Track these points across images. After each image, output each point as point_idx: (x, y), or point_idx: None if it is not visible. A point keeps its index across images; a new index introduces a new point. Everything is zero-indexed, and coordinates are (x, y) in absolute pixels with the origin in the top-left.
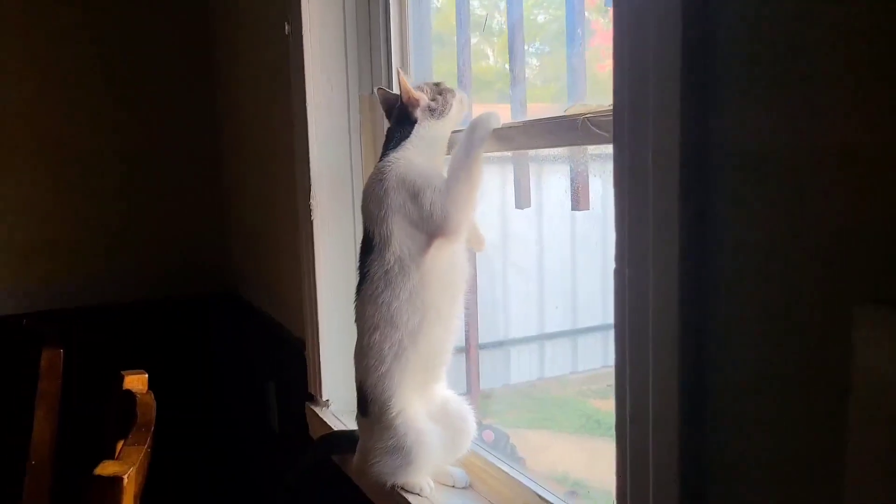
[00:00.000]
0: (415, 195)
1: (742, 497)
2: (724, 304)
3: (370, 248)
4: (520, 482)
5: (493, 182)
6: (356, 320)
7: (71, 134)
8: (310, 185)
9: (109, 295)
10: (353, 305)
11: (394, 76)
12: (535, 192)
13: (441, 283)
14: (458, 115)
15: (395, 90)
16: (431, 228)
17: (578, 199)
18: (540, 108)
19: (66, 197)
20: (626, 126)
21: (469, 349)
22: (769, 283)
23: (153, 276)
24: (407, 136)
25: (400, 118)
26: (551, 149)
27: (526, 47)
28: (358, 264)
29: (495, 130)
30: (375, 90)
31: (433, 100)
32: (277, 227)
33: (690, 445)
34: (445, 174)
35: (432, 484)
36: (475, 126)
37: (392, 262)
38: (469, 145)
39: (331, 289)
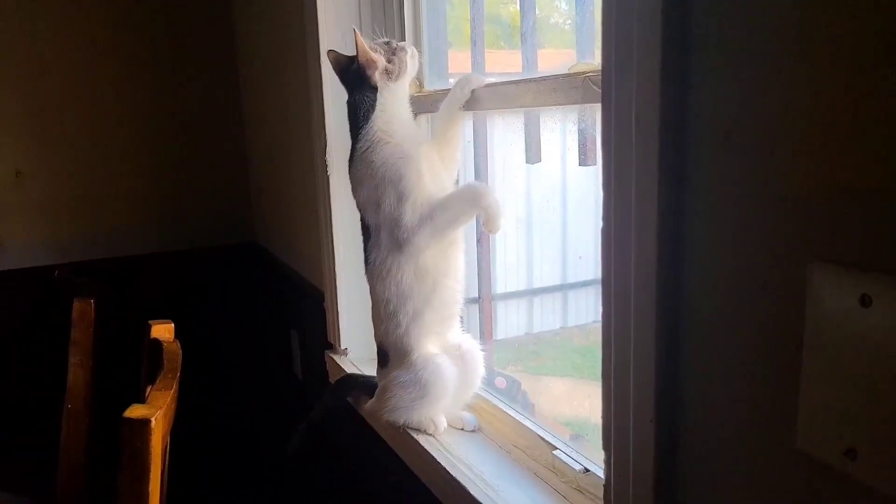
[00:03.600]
0: (400, 198)
1: (708, 436)
2: (697, 262)
3: (368, 234)
4: (525, 426)
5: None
6: (370, 291)
7: (102, 95)
8: (326, 141)
9: (137, 246)
10: (365, 276)
11: (354, 36)
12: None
13: (443, 250)
14: (412, 70)
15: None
16: (397, 236)
17: (586, 155)
18: (568, 55)
19: (96, 154)
20: (612, 91)
21: (483, 300)
22: (736, 243)
23: (179, 228)
24: (373, 108)
25: (358, 82)
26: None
27: None
28: (362, 244)
29: (499, 87)
30: (326, 52)
31: (389, 61)
32: (296, 181)
33: (665, 390)
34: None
35: (445, 423)
36: (475, 196)
37: (387, 253)
38: (462, 208)
39: (347, 243)
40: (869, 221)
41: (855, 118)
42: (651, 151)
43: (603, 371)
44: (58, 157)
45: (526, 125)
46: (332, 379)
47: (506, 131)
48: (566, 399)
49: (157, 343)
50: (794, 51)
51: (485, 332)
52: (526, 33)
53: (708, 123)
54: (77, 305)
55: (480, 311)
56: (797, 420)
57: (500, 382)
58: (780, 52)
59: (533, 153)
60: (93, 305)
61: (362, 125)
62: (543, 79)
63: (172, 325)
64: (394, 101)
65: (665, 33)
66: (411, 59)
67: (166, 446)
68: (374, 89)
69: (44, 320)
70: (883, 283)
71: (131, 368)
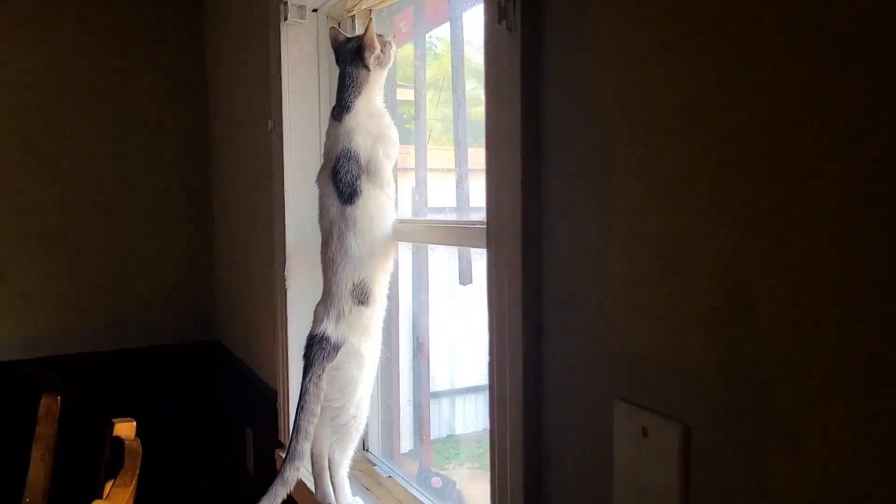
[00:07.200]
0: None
1: None
2: (551, 394)
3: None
4: None
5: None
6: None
7: (73, 196)
8: (285, 259)
9: (104, 343)
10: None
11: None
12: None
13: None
14: (391, 62)
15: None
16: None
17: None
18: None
19: (67, 252)
20: (494, 244)
21: (420, 404)
22: (572, 377)
23: (145, 327)
24: (365, 83)
25: (354, 59)
26: None
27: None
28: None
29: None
30: (329, 28)
31: (382, 51)
32: (256, 289)
33: (531, 472)
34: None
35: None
36: None
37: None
38: None
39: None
40: (647, 373)
41: (646, 290)
42: (518, 310)
43: (490, 463)
44: (37, 259)
45: (459, 251)
46: None
47: (445, 255)
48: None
49: (119, 440)
50: (605, 237)
51: (421, 434)
52: (461, 173)
53: (555, 293)
54: (44, 401)
55: (419, 415)
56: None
57: (436, 482)
58: (595, 237)
59: (465, 276)
60: (59, 401)
61: (353, 96)
62: (437, 222)
63: (134, 423)
64: (378, 84)
65: (525, 233)
66: (393, 53)
67: None
68: (367, 69)
69: (10, 414)
70: (654, 421)
71: (89, 463)
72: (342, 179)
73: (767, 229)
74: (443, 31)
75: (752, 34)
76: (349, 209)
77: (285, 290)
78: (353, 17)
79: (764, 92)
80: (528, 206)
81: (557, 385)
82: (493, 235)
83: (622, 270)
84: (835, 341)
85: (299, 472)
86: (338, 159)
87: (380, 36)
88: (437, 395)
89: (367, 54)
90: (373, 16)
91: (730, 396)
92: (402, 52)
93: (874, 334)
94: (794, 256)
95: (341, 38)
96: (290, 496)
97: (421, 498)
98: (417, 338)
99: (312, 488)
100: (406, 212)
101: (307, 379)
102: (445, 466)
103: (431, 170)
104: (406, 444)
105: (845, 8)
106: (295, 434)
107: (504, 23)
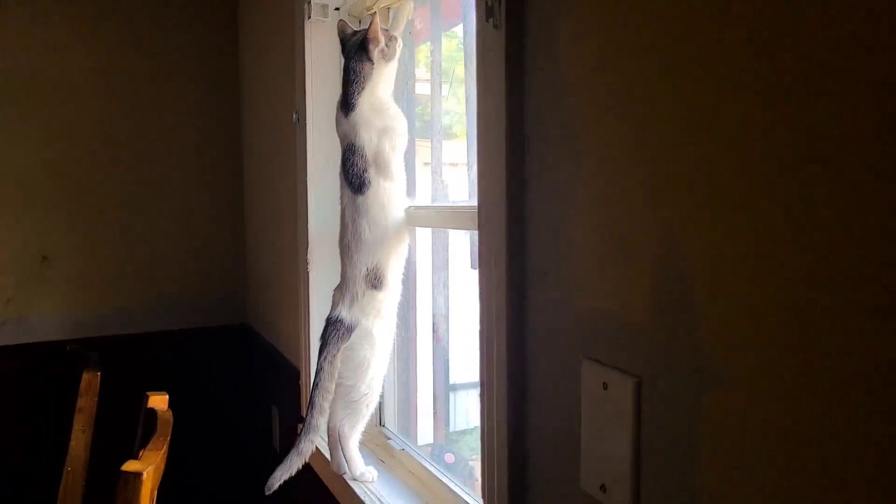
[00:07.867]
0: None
1: (540, 475)
2: (532, 357)
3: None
4: (442, 482)
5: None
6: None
7: (113, 186)
8: (308, 243)
9: (143, 325)
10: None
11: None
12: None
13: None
14: (396, 57)
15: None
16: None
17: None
18: None
19: (107, 241)
20: (484, 225)
21: (436, 388)
22: (548, 340)
23: (179, 309)
24: (369, 77)
25: (358, 53)
26: None
27: None
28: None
29: (419, 210)
30: (337, 21)
31: (387, 45)
32: (282, 274)
33: (515, 448)
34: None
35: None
36: None
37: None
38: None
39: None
40: (608, 335)
41: (607, 264)
42: (503, 285)
43: (481, 442)
44: (79, 245)
45: (471, 234)
46: None
47: (458, 239)
48: None
49: (152, 411)
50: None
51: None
52: (471, 164)
53: (535, 267)
54: (85, 377)
55: (434, 399)
56: (580, 466)
57: (449, 457)
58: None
59: (475, 260)
60: (99, 377)
61: (357, 91)
62: (446, 207)
63: (167, 396)
64: (384, 77)
65: (509, 214)
66: (398, 49)
67: (153, 500)
68: (371, 62)
69: (54, 388)
70: (613, 376)
71: (126, 435)
72: (350, 171)
73: (700, 214)
74: (459, 30)
75: (701, 45)
76: (360, 199)
77: (308, 275)
78: (372, 15)
79: (703, 87)
80: (511, 189)
81: (537, 348)
82: (483, 217)
83: (588, 247)
84: (752, 302)
85: (314, 444)
86: (345, 153)
87: (385, 30)
88: (463, 386)
89: (371, 47)
90: (391, 13)
91: (671, 352)
92: (422, 50)
93: (782, 296)
94: (720, 240)
95: (348, 30)
96: (308, 466)
97: (433, 470)
98: (434, 323)
99: (329, 458)
100: (426, 198)
101: (322, 358)
102: (472, 458)
103: (451, 163)
104: (426, 436)
105: None
106: (310, 409)
107: (491, 20)
